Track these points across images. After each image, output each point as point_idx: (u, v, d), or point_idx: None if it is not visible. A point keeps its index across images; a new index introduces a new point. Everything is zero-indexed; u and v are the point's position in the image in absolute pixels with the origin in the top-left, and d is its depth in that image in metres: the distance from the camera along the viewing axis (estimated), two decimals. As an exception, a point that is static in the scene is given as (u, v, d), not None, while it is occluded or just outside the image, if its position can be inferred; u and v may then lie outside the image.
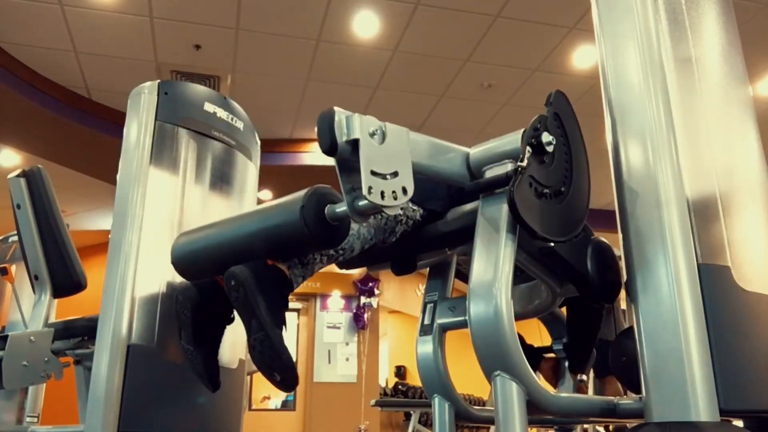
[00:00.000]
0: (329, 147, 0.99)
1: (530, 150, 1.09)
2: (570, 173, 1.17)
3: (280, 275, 1.20)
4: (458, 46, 4.83)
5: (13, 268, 2.54)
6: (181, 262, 1.38)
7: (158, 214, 1.80)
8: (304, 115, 5.87)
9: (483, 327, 1.05)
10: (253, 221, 1.26)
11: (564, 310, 1.83)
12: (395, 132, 1.05)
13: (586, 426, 3.61)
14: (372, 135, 1.01)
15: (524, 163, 1.07)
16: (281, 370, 1.16)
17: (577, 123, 1.20)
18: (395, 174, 1.01)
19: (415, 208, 1.34)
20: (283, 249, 1.21)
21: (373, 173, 0.98)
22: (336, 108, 1.01)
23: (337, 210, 1.12)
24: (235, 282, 1.15)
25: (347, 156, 1.00)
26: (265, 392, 9.26)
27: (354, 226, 1.24)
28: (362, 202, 1.01)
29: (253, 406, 8.71)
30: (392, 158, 1.02)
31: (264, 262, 1.19)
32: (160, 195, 1.80)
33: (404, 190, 1.01)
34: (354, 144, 0.99)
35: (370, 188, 0.97)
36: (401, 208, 1.32)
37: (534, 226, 1.08)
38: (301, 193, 1.16)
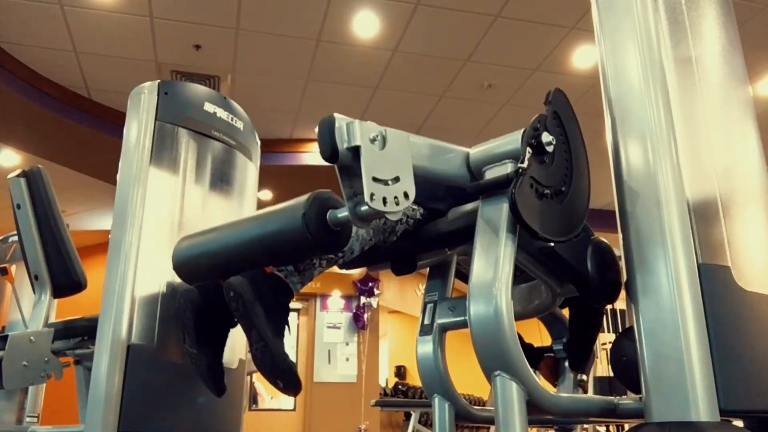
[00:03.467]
0: (330, 154, 0.99)
1: (530, 150, 1.09)
2: (570, 173, 1.17)
3: (279, 283, 1.20)
4: (458, 46, 4.83)
5: (13, 268, 2.54)
6: (182, 266, 1.38)
7: (158, 214, 1.80)
8: (304, 115, 5.87)
9: (483, 327, 1.05)
10: (254, 227, 1.26)
11: (564, 309, 1.83)
12: (396, 137, 1.05)
13: (586, 426, 3.61)
14: (372, 141, 1.01)
15: (525, 164, 1.07)
16: (283, 377, 1.18)
17: (576, 122, 1.20)
18: (397, 179, 1.01)
19: (414, 207, 1.34)
20: (284, 255, 1.21)
21: (375, 179, 0.98)
22: (336, 115, 1.01)
23: (339, 216, 1.12)
24: (234, 293, 1.16)
25: (348, 162, 1.00)
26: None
27: (353, 228, 1.24)
28: (364, 208, 1.01)
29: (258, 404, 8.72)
30: (393, 163, 1.02)
31: (262, 271, 1.19)
32: (160, 195, 1.80)
33: (406, 195, 1.02)
34: (355, 151, 0.99)
35: (372, 195, 0.97)
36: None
37: (534, 226, 1.08)
38: (302, 198, 1.16)
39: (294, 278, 1.22)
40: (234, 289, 1.16)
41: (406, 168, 1.04)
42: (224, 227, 1.35)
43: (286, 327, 1.22)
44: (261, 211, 1.30)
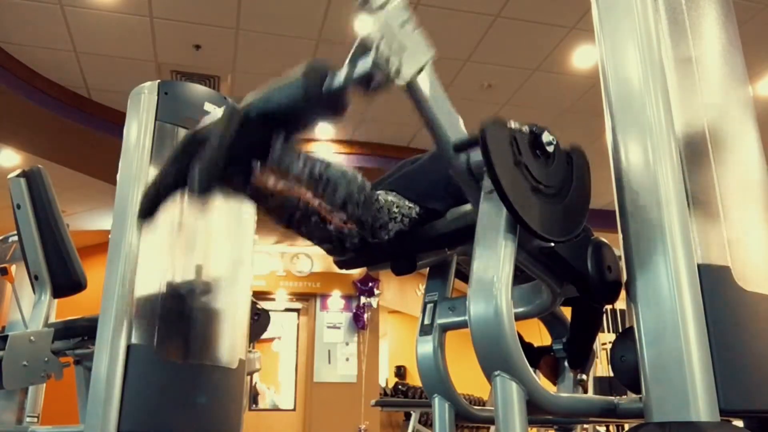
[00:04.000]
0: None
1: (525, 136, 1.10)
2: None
3: (266, 135, 1.17)
4: (458, 46, 4.83)
5: (13, 268, 2.55)
6: None
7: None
8: (304, 115, 5.86)
9: (483, 327, 1.05)
10: (260, 90, 1.25)
11: (564, 309, 1.83)
12: (420, 40, 1.08)
13: (586, 426, 3.61)
14: (402, 24, 1.05)
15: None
16: (204, 170, 1.13)
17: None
18: (401, 51, 1.03)
19: (410, 205, 1.33)
20: (280, 113, 1.18)
21: (386, 36, 1.01)
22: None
23: (336, 77, 1.12)
24: (231, 108, 1.16)
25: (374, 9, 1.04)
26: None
27: (347, 171, 1.21)
28: (360, 66, 1.03)
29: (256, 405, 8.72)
30: (408, 46, 1.05)
31: (261, 117, 1.18)
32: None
33: (398, 72, 1.03)
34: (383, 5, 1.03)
35: (379, 44, 1.00)
36: (396, 206, 1.31)
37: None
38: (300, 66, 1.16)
39: (279, 143, 1.19)
40: (233, 107, 1.17)
41: (416, 59, 1.06)
42: None
43: (247, 164, 1.18)
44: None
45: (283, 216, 1.26)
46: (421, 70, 1.06)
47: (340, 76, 1.10)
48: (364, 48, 1.04)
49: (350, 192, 1.21)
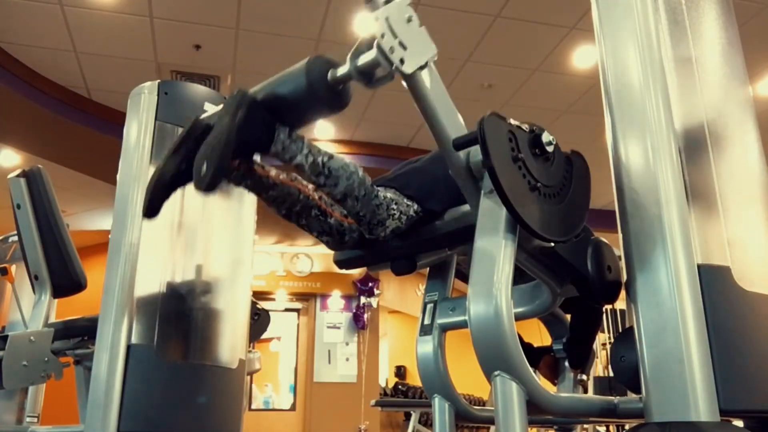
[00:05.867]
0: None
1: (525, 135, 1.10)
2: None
3: (269, 124, 1.17)
4: (458, 46, 4.83)
5: (13, 268, 2.55)
6: None
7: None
8: (304, 115, 5.87)
9: (483, 327, 1.05)
10: (263, 84, 1.25)
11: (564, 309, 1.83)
12: (425, 37, 1.08)
13: (586, 426, 3.61)
14: (408, 20, 1.05)
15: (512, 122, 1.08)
16: (213, 161, 1.11)
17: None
18: (404, 47, 1.02)
19: (408, 203, 1.33)
20: (284, 106, 1.18)
21: (391, 29, 1.00)
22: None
23: (339, 71, 1.12)
24: (236, 94, 1.15)
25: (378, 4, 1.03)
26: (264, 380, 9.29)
27: (349, 165, 1.22)
28: (363, 59, 1.04)
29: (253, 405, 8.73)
30: (412, 41, 1.04)
31: (264, 106, 1.17)
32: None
33: (402, 60, 1.02)
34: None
35: (383, 35, 0.99)
36: (395, 203, 1.31)
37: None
38: (305, 60, 1.16)
39: (283, 134, 1.19)
40: (236, 93, 1.15)
41: (421, 54, 1.06)
42: None
43: (248, 152, 1.18)
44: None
45: (283, 207, 1.27)
46: (424, 65, 1.06)
47: (344, 69, 1.10)
48: (368, 42, 1.04)
49: (351, 185, 1.21)
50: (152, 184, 1.26)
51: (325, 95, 1.14)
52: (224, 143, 1.11)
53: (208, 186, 1.11)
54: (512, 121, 1.12)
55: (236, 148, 1.12)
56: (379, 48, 0.99)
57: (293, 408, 8.63)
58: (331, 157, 1.21)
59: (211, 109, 1.96)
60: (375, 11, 1.02)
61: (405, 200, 1.32)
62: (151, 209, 1.28)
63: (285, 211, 1.28)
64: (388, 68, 1.02)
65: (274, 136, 1.17)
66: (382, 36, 0.99)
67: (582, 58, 4.99)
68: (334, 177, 1.20)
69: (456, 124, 1.15)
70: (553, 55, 4.98)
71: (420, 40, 1.06)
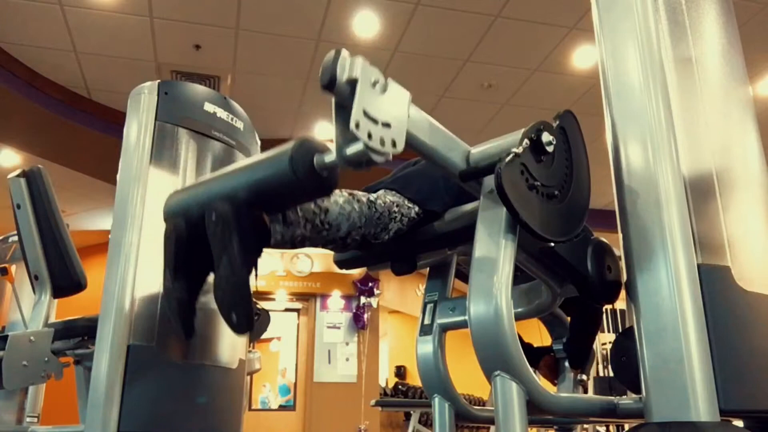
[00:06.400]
0: (328, 82, 0.97)
1: (528, 142, 1.09)
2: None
3: (260, 224, 1.18)
4: (458, 46, 4.83)
5: (13, 268, 2.55)
6: (171, 214, 1.35)
7: (158, 214, 1.79)
8: (304, 115, 5.88)
9: (483, 327, 1.05)
10: (242, 172, 1.24)
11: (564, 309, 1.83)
12: (399, 92, 1.03)
13: (586, 426, 3.61)
14: (374, 84, 0.99)
15: (519, 150, 1.07)
16: (239, 309, 1.15)
17: (581, 135, 1.20)
18: (387, 125, 0.98)
19: (410, 205, 1.33)
20: (270, 198, 1.19)
21: (366, 114, 0.95)
22: (346, 51, 0.99)
23: (326, 159, 1.11)
24: (215, 215, 1.14)
25: (345, 96, 0.97)
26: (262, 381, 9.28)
27: (345, 206, 1.24)
28: (351, 150, 0.99)
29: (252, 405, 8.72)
30: (388, 110, 0.99)
31: (249, 208, 1.17)
32: (160, 195, 1.80)
33: (394, 143, 0.98)
34: (353, 85, 0.96)
35: (358, 123, 0.93)
36: (396, 206, 1.31)
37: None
38: (289, 144, 1.16)
39: (278, 226, 1.20)
40: (216, 211, 1.14)
41: (400, 121, 1.01)
42: (213, 176, 1.33)
43: (254, 267, 1.19)
44: (248, 159, 1.28)
45: (288, 245, 1.29)
46: (406, 132, 1.02)
47: (331, 157, 1.09)
48: (349, 133, 0.98)
49: (352, 224, 1.26)
50: (175, 312, 1.31)
51: (312, 184, 1.14)
52: (238, 287, 1.14)
53: (248, 329, 1.17)
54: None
55: (246, 266, 1.15)
56: (366, 144, 0.95)
57: (293, 408, 8.63)
58: (326, 211, 1.24)
59: (210, 109, 1.96)
60: (340, 94, 0.98)
61: (406, 202, 1.33)
62: (189, 332, 1.34)
63: (290, 245, 1.29)
64: (380, 159, 0.99)
65: (268, 228, 1.19)
66: (359, 124, 0.94)
67: (582, 58, 4.99)
68: (335, 226, 1.25)
69: (456, 151, 1.16)
70: (553, 55, 4.98)
71: (395, 104, 1.02)
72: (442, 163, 1.14)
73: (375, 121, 0.96)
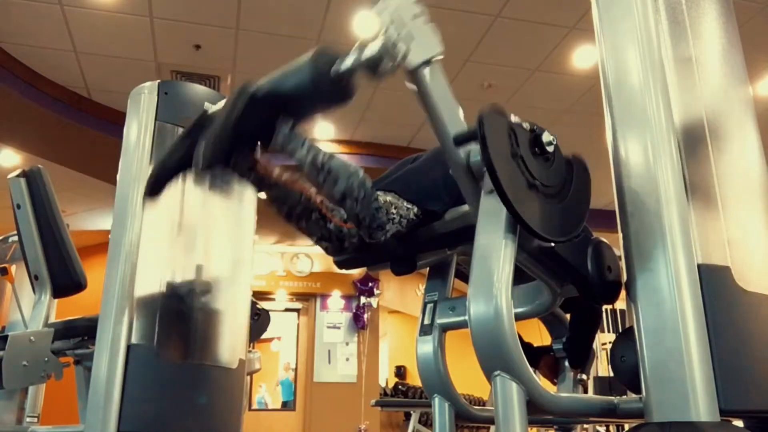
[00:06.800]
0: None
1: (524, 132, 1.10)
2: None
3: (270, 118, 1.18)
4: (458, 46, 4.83)
5: (13, 268, 2.55)
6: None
7: (158, 214, 1.80)
8: (304, 115, 5.87)
9: (483, 327, 1.05)
10: (280, 71, 1.25)
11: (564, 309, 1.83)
12: (429, 34, 1.08)
13: (586, 426, 3.61)
14: (414, 17, 1.04)
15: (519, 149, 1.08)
16: (209, 148, 1.17)
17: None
18: (411, 40, 1.03)
19: (408, 206, 1.32)
20: (288, 99, 1.19)
21: (397, 21, 1.01)
22: None
23: (344, 64, 1.12)
24: (239, 89, 1.17)
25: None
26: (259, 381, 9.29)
27: (349, 166, 1.22)
28: (369, 52, 1.03)
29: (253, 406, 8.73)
30: (418, 35, 1.05)
31: (267, 97, 1.18)
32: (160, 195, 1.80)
33: (404, 56, 1.03)
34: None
35: (389, 26, 1.00)
36: (395, 207, 1.30)
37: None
38: (309, 52, 1.16)
39: (285, 127, 1.18)
40: (241, 87, 1.17)
41: (425, 50, 1.06)
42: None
43: (247, 150, 1.21)
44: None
45: (284, 208, 1.27)
46: (429, 60, 1.06)
47: (348, 61, 1.10)
48: (373, 36, 1.04)
49: (350, 185, 1.20)
50: (158, 165, 1.30)
51: (329, 89, 1.14)
52: (221, 129, 1.14)
53: (204, 165, 1.16)
54: (513, 118, 1.12)
55: (235, 139, 1.14)
56: (385, 39, 0.99)
57: (293, 408, 8.63)
58: (331, 156, 1.21)
59: (210, 109, 1.96)
60: (381, 4, 1.02)
61: (405, 203, 1.32)
62: (154, 189, 1.32)
63: (286, 212, 1.28)
64: (394, 60, 1.01)
65: (274, 128, 1.18)
66: (388, 27, 0.99)
67: (582, 58, 4.99)
68: (333, 176, 1.19)
69: (458, 122, 1.15)
70: (553, 55, 4.98)
71: (426, 36, 1.06)
72: (441, 124, 1.14)
73: (401, 27, 1.02)
